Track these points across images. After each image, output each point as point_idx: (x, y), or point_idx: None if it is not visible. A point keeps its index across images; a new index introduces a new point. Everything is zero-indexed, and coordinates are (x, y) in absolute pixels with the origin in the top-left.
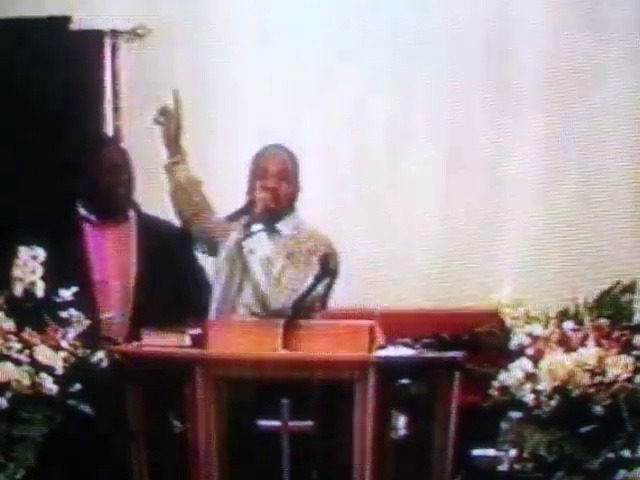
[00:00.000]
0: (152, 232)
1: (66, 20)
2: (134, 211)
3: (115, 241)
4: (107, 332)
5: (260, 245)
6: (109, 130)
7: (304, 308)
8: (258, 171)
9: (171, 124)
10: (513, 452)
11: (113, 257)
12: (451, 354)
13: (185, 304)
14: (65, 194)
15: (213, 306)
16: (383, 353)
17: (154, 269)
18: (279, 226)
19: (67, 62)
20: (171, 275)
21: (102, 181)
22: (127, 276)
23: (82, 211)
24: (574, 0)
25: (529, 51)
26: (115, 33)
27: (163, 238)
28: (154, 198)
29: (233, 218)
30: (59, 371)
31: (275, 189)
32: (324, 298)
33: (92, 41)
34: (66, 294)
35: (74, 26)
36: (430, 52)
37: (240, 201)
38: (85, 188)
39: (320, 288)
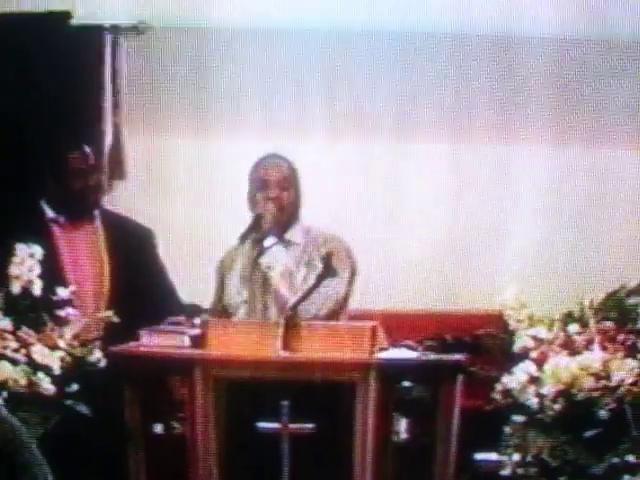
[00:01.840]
0: (118, 230)
1: (66, 15)
2: (98, 209)
3: (85, 241)
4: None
5: (277, 259)
6: (108, 127)
7: (334, 315)
8: (258, 183)
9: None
10: (516, 456)
11: (85, 258)
12: (454, 357)
13: (158, 302)
14: (33, 196)
15: None
16: (385, 355)
17: (126, 268)
18: (288, 236)
19: (66, 58)
20: (141, 273)
21: (70, 186)
22: (101, 276)
23: (49, 212)
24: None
25: (536, 51)
26: (115, 29)
27: (128, 235)
28: (152, 194)
29: (244, 237)
30: (56, 371)
31: (278, 199)
32: (346, 298)
33: (92, 37)
34: (64, 292)
35: (74, 21)
36: (435, 53)
37: (239, 201)
38: (53, 192)
39: (340, 289)
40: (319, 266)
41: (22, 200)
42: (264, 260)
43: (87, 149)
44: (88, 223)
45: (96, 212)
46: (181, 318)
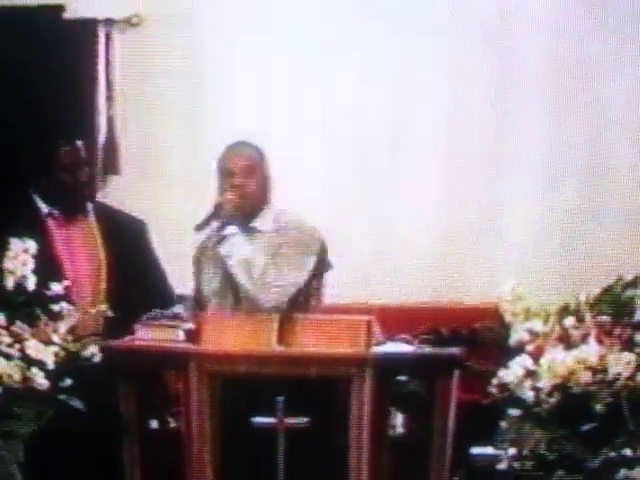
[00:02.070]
0: (111, 223)
1: (59, 8)
2: (92, 203)
3: (80, 235)
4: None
5: (236, 248)
6: (102, 120)
7: (298, 303)
8: (223, 171)
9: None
10: (512, 450)
11: (81, 252)
12: (450, 350)
13: (152, 295)
14: (27, 190)
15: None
16: (381, 349)
17: (120, 260)
18: (256, 224)
19: (60, 51)
20: (136, 266)
21: (61, 180)
22: (98, 270)
23: (43, 206)
24: None
25: (532, 41)
26: (109, 22)
27: (122, 228)
28: (147, 188)
29: (202, 226)
30: (50, 366)
31: (242, 186)
32: (318, 291)
33: (86, 30)
34: (58, 287)
35: (67, 15)
36: (431, 42)
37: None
38: (45, 186)
39: (301, 279)
40: (289, 254)
41: (17, 194)
42: (223, 249)
43: (79, 143)
44: (82, 217)
45: (90, 206)
46: (167, 312)
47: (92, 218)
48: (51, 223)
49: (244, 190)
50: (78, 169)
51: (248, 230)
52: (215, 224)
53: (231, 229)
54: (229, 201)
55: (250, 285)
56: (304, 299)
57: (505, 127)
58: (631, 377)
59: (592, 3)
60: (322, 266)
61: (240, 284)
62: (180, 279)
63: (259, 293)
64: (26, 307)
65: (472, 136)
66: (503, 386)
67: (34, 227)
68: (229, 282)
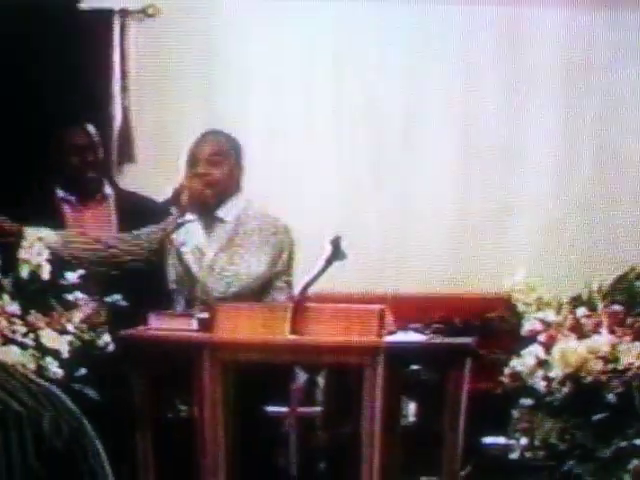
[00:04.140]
0: (132, 209)
1: None
2: (112, 189)
3: (95, 221)
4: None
5: (191, 235)
6: (117, 110)
7: (254, 294)
8: (190, 158)
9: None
10: (524, 440)
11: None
12: (462, 340)
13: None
14: (44, 175)
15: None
16: (393, 338)
17: None
18: (221, 213)
19: (76, 41)
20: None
21: (69, 163)
22: None
23: (60, 192)
24: None
25: (544, 33)
26: (124, 12)
27: (143, 215)
28: (161, 179)
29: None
30: (64, 355)
31: (206, 175)
32: (287, 285)
33: (101, 20)
34: (72, 277)
35: (83, 5)
36: (444, 35)
37: (246, 185)
38: (56, 170)
39: (280, 267)
40: (242, 244)
41: (33, 181)
42: (178, 236)
43: (89, 126)
44: (99, 201)
45: (109, 192)
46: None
47: (111, 203)
48: (66, 208)
49: (208, 179)
50: (88, 152)
51: (210, 219)
52: (175, 211)
53: (189, 216)
54: (190, 188)
55: (200, 273)
56: (261, 290)
57: (518, 119)
58: None
59: None
60: (288, 261)
61: (191, 271)
62: None
63: (209, 281)
64: (41, 296)
65: (485, 128)
66: (515, 375)
67: (49, 213)
68: (184, 270)
